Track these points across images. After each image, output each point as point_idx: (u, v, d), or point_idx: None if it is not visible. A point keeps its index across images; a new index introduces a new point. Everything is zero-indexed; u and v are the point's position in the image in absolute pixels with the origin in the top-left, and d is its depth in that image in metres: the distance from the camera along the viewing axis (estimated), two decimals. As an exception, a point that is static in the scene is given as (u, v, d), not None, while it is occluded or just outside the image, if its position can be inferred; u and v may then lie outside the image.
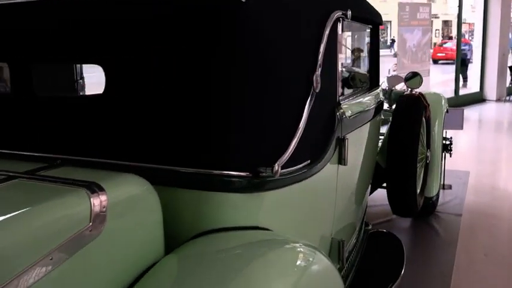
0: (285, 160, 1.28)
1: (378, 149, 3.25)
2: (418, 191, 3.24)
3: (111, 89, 1.29)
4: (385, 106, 4.20)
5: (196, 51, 1.21)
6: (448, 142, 4.24)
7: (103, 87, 1.30)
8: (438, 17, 35.68)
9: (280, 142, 1.32)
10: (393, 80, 4.24)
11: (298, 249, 1.23)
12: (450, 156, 4.32)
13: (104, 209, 0.98)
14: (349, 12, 1.71)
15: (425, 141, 3.30)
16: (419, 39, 8.33)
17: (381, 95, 2.67)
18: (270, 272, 1.06)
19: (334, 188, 1.75)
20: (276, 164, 1.22)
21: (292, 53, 1.37)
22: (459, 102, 9.30)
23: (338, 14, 1.63)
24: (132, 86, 1.30)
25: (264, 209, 1.33)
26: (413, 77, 3.12)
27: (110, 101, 1.32)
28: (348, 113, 1.84)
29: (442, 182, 4.54)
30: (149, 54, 1.27)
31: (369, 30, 2.59)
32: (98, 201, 0.95)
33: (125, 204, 1.07)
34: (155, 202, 1.13)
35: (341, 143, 1.72)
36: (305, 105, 1.40)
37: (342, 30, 1.71)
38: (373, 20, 2.52)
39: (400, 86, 4.24)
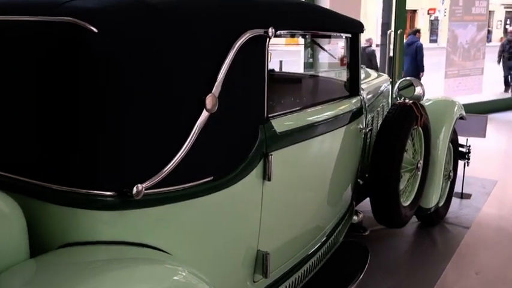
0: (158, 180, 1.35)
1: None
2: (409, 201, 3.16)
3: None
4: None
5: (63, 74, 1.29)
6: (466, 150, 4.08)
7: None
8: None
9: (155, 162, 1.37)
10: (410, 83, 4.12)
11: (153, 269, 1.29)
12: (467, 165, 4.14)
13: None
14: (272, 30, 1.71)
15: (419, 151, 3.20)
16: (473, 35, 7.91)
17: (360, 103, 2.63)
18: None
19: (259, 202, 1.78)
20: (139, 185, 1.29)
21: (170, 74, 1.41)
22: (517, 104, 8.76)
23: (253, 33, 1.64)
24: (14, 103, 1.41)
25: (146, 225, 1.39)
26: (407, 87, 3.02)
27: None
28: (284, 128, 1.86)
29: (460, 191, 4.39)
30: (27, 73, 1.37)
31: (348, 39, 2.56)
32: None
33: None
34: (16, 215, 1.23)
35: (265, 159, 1.75)
36: (194, 125, 1.44)
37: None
38: (348, 30, 2.50)
39: (418, 91, 4.11)
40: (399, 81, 3.09)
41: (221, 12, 1.62)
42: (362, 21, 2.70)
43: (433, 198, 3.40)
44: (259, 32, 1.67)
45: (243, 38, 1.59)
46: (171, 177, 1.39)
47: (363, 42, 12.43)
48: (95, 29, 1.25)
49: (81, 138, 1.30)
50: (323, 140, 2.22)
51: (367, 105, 2.91)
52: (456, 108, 3.76)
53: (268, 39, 1.73)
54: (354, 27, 2.55)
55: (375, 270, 3.11)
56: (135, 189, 1.29)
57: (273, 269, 1.96)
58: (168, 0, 1.48)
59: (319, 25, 2.26)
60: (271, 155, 1.75)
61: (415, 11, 35.92)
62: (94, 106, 1.28)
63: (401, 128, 2.85)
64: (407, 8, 7.14)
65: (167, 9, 1.43)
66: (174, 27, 1.42)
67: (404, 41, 9.24)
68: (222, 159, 1.60)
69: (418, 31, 9.45)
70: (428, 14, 32.82)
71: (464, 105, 7.95)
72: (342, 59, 6.46)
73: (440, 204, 3.81)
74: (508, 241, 3.54)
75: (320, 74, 3.13)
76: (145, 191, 1.33)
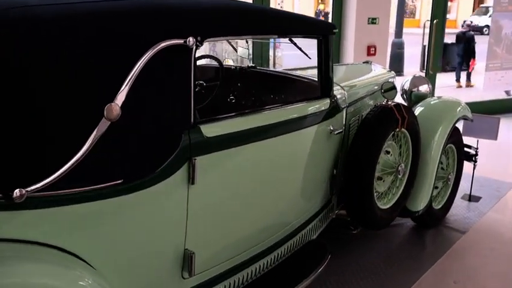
0: (48, 183, 1.43)
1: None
2: (391, 204, 3.12)
3: None
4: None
5: None
6: (473, 152, 3.94)
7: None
8: None
9: (46, 167, 1.45)
10: (417, 80, 4.02)
11: (32, 267, 1.41)
12: (474, 167, 4.01)
13: None
14: (192, 40, 1.74)
15: (407, 153, 3.14)
16: (521, 26, 7.46)
17: (330, 105, 2.62)
18: None
19: (184, 204, 1.85)
20: (22, 189, 1.39)
21: (59, 85, 1.48)
22: None
23: (169, 44, 1.68)
24: None
25: (48, 224, 1.49)
26: (391, 90, 2.97)
27: None
28: (217, 133, 1.91)
29: (469, 193, 4.26)
30: None
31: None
32: None
33: None
34: None
35: (190, 163, 1.81)
36: (91, 133, 1.51)
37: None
38: (315, 33, 2.50)
39: (425, 88, 4.00)
40: (382, 83, 3.02)
41: (126, 23, 1.65)
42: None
43: (422, 202, 3.33)
44: (178, 42, 1.71)
45: (155, 49, 1.63)
46: (68, 181, 1.48)
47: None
48: None
49: None
50: (275, 143, 2.23)
51: (345, 105, 2.89)
52: (459, 109, 3.64)
53: (191, 48, 1.76)
54: (322, 30, 2.53)
55: (351, 269, 3.11)
56: (16, 193, 1.38)
57: (206, 267, 2.04)
58: (58, 10, 1.55)
59: (271, 29, 2.25)
60: (195, 159, 1.81)
61: (484, -7, 33.95)
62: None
63: (376, 130, 2.81)
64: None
65: (52, 21, 1.50)
66: (62, 40, 1.48)
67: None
68: (135, 163, 1.67)
69: None
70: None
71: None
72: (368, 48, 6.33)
73: (438, 207, 3.73)
74: (501, 250, 3.42)
75: (295, 73, 3.10)
76: (38, 194, 1.42)
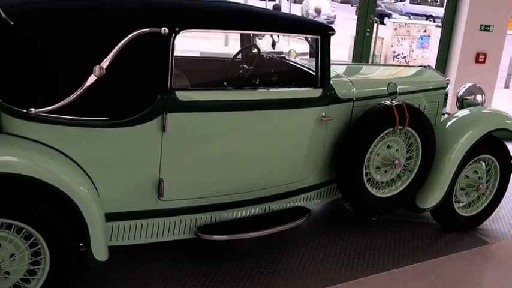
0: (53, 109, 2.29)
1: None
2: (390, 194, 3.38)
3: None
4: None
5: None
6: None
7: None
8: None
9: (53, 98, 2.30)
10: (474, 89, 4.08)
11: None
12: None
13: None
14: (165, 30, 2.41)
15: (416, 152, 3.38)
16: None
17: (321, 95, 3.08)
18: None
19: (159, 144, 2.57)
20: (33, 109, 2.27)
21: (66, 50, 2.33)
22: None
23: (146, 31, 2.39)
24: None
25: (52, 135, 2.34)
26: (393, 93, 3.24)
27: None
28: (189, 99, 2.60)
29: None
30: None
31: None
32: None
33: None
34: None
35: (163, 116, 2.53)
36: (84, 83, 2.33)
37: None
38: (310, 33, 3.07)
39: (479, 98, 4.05)
40: (388, 85, 3.29)
41: (115, 15, 2.43)
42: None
43: (431, 201, 3.49)
44: (155, 30, 2.43)
45: (135, 34, 2.38)
46: (66, 110, 2.33)
47: None
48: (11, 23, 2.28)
49: (20, 78, 2.34)
50: (255, 115, 2.84)
51: (351, 98, 3.29)
52: (502, 121, 3.65)
53: (167, 35, 2.46)
54: (320, 31, 2.99)
55: (347, 244, 3.46)
56: (31, 110, 2.28)
57: (178, 197, 2.74)
58: (63, 5, 2.41)
59: (262, 27, 2.86)
60: (167, 114, 2.53)
61: None
62: (25, 61, 2.33)
63: (369, 123, 3.15)
64: None
65: (60, 13, 2.38)
66: (68, 25, 2.36)
67: None
68: (117, 108, 2.45)
69: None
70: None
71: None
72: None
73: (467, 215, 3.79)
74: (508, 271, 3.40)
75: (296, 61, 3.57)
76: (46, 114, 2.30)
